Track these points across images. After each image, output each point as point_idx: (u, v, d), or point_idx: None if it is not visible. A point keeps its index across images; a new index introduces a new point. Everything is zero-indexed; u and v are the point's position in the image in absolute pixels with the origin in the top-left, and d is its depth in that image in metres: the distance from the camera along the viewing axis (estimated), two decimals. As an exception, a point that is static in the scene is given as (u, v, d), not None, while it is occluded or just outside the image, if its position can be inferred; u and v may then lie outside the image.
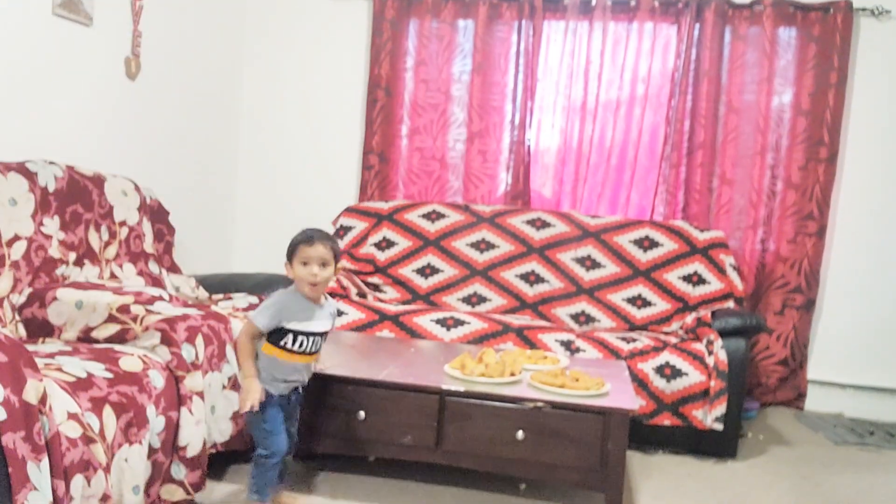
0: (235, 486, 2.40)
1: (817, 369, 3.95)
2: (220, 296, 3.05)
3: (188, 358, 2.21)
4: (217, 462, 2.41)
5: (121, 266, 2.80)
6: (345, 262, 2.22)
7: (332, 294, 3.26)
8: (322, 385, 2.32)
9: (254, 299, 2.99)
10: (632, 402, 2.20)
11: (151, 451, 2.05)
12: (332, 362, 2.32)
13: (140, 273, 2.89)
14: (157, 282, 2.94)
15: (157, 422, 2.06)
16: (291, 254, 2.04)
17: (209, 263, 3.82)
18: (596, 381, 2.32)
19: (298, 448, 2.38)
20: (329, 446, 2.37)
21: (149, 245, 3.02)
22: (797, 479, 2.91)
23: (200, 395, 2.21)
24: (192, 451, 2.16)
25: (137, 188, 3.05)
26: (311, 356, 2.13)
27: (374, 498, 2.36)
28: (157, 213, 3.17)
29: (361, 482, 2.46)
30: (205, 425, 2.22)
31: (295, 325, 2.05)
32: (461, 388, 2.23)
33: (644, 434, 2.99)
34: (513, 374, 2.35)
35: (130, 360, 2.09)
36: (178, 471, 2.15)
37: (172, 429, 2.13)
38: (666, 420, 2.96)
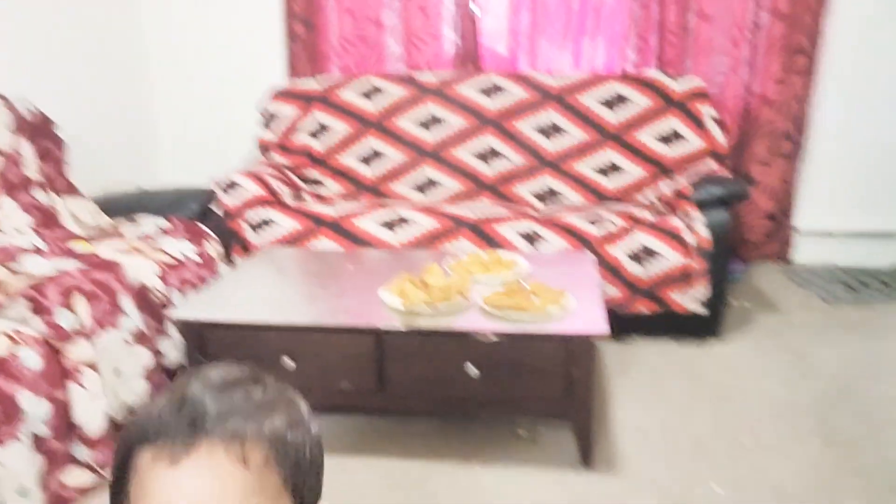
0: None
1: (805, 219, 3.64)
2: (125, 220, 2.64)
3: (67, 325, 1.84)
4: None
5: (-4, 203, 2.37)
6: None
7: (259, 201, 2.85)
8: (242, 333, 1.98)
9: (163, 222, 2.59)
10: (598, 323, 1.87)
11: (39, 442, 1.74)
12: None
13: (27, 208, 2.46)
14: (48, 214, 2.52)
15: (38, 408, 1.73)
16: (121, 482, 0.62)
17: (131, 178, 3.35)
18: (557, 293, 1.98)
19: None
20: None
21: (32, 170, 2.56)
22: (787, 355, 2.67)
23: (92, 365, 1.88)
24: (92, 430, 1.86)
25: (10, 104, 2.55)
26: None
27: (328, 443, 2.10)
28: (39, 129, 2.68)
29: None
30: (104, 398, 1.90)
31: None
32: (400, 326, 1.90)
33: (618, 321, 2.71)
34: (461, 295, 2.00)
35: (-7, 340, 1.72)
36: (80, 452, 1.86)
37: (63, 410, 1.81)
38: (642, 307, 2.68)
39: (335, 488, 1.79)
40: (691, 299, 2.65)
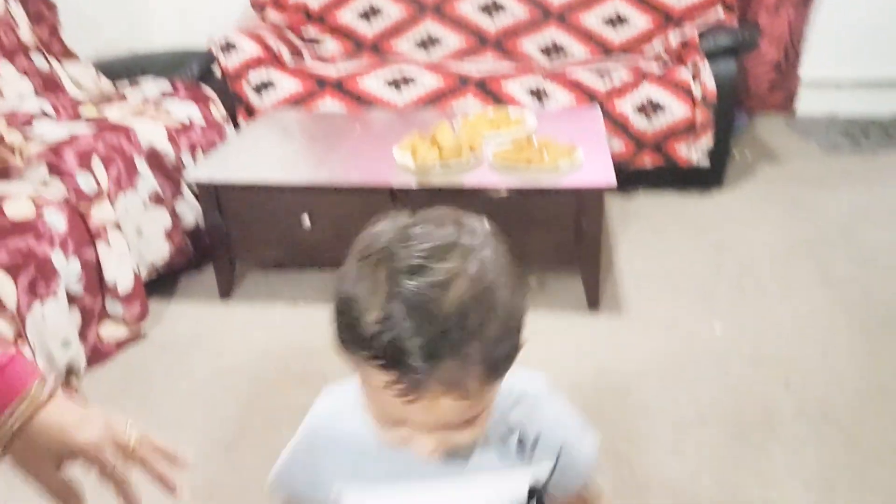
0: (186, 301, 2.23)
1: (810, 67, 3.59)
2: (126, 83, 2.61)
3: (88, 187, 1.88)
4: (162, 284, 2.21)
5: (-6, 70, 2.33)
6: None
7: (260, 61, 2.79)
8: (259, 193, 2.02)
9: (165, 85, 2.55)
10: (606, 175, 1.91)
11: (73, 299, 1.82)
12: None
13: (25, 72, 2.42)
14: (48, 79, 2.48)
15: (69, 268, 1.80)
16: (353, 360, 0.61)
17: (122, 41, 3.24)
18: (567, 148, 2.01)
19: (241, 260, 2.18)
20: (276, 257, 2.15)
21: (25, 33, 2.50)
22: (787, 203, 2.74)
23: (117, 225, 1.93)
24: (123, 287, 1.94)
25: (-7, -37, 2.44)
26: None
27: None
28: (27, -10, 2.58)
29: (322, 280, 2.27)
30: (130, 256, 1.97)
31: (360, 500, 0.71)
32: (413, 183, 1.93)
33: (622, 175, 2.74)
34: (472, 152, 2.03)
35: (18, 204, 1.76)
36: (115, 307, 1.96)
37: (94, 269, 1.88)
38: (647, 159, 2.71)
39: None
40: (695, 152, 2.68)
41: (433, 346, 0.54)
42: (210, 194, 2.04)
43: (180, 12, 3.62)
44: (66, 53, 2.67)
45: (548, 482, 0.69)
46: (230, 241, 2.10)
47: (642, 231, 2.55)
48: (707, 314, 2.05)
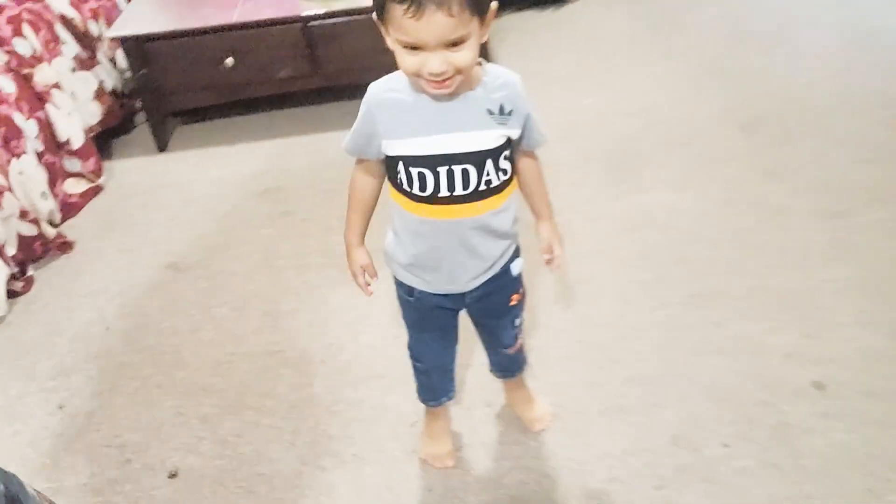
0: (128, 159, 2.43)
1: None
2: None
3: (26, 52, 2.02)
4: (99, 146, 2.39)
5: None
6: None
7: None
8: (182, 41, 2.21)
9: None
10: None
11: (39, 156, 2.01)
12: None
13: None
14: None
15: (29, 126, 1.98)
16: (381, 13, 0.92)
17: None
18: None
19: (174, 110, 2.39)
20: (206, 99, 2.37)
21: None
22: (629, 2, 3.19)
23: (58, 86, 2.09)
24: (76, 143, 2.13)
25: None
26: (475, 204, 1.04)
27: (268, 133, 2.47)
28: None
29: (249, 122, 2.53)
30: (77, 113, 2.15)
31: (401, 147, 1.02)
32: (321, 12, 2.20)
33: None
34: (366, -21, 2.30)
35: (-35, 72, 1.89)
36: (73, 164, 2.15)
37: (47, 128, 2.06)
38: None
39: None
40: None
41: None
42: (135, 49, 2.21)
43: None
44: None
45: (518, 140, 1.07)
46: (160, 91, 2.30)
47: (512, 41, 2.94)
48: (577, 97, 2.52)
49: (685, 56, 2.69)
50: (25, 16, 2.04)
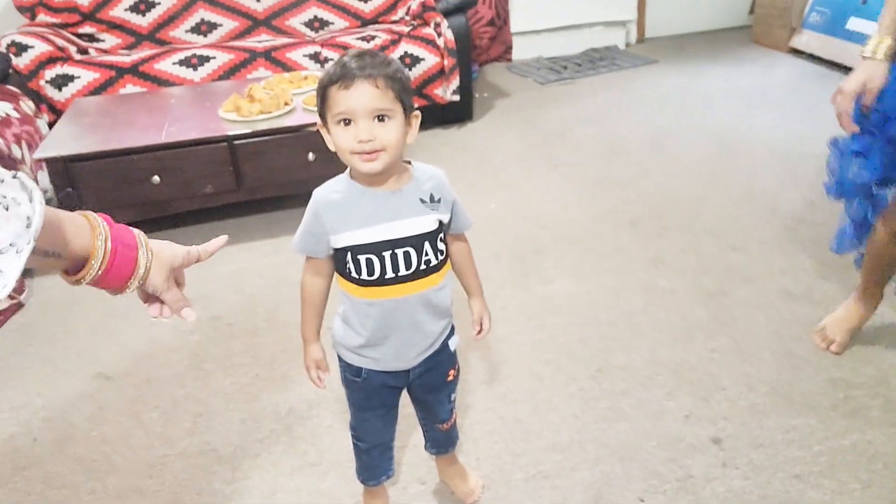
0: (50, 275, 2.45)
1: (518, 22, 4.52)
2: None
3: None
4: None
5: None
6: (416, 107, 1.16)
7: (52, 59, 2.98)
8: (109, 161, 2.32)
9: (-31, 88, 2.67)
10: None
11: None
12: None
13: None
14: None
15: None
16: (322, 106, 1.10)
17: None
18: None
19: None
20: (131, 216, 2.45)
21: None
22: (520, 122, 3.58)
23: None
24: None
25: None
26: (418, 282, 1.18)
27: (195, 244, 2.55)
28: None
29: (174, 236, 2.59)
30: None
31: (348, 238, 1.14)
32: (247, 131, 2.38)
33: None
34: (287, 104, 2.51)
35: None
36: (-6, 282, 2.16)
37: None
38: (415, 103, 3.36)
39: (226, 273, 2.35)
40: (448, 91, 3.38)
41: (362, 62, 1.05)
42: (61, 169, 2.29)
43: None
44: None
45: (448, 224, 1.23)
46: (84, 209, 2.36)
47: (421, 156, 3.18)
48: (485, 198, 2.77)
49: (571, 167, 3.02)
50: (-48, 140, 2.11)
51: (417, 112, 1.14)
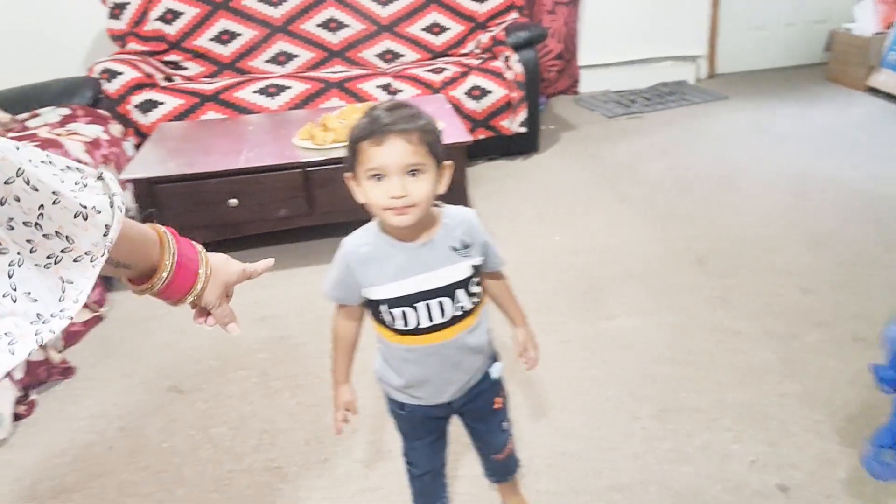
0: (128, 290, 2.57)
1: (586, 56, 4.54)
2: (25, 115, 2.86)
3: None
4: (103, 278, 2.54)
5: None
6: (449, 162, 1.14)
7: (139, 85, 3.15)
8: (189, 184, 2.43)
9: (65, 110, 2.85)
10: (463, 134, 2.57)
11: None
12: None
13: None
14: (-55, 115, 2.68)
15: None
16: (353, 160, 1.10)
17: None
18: (429, 121, 2.64)
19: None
20: (208, 236, 2.55)
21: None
22: (586, 155, 3.58)
23: (73, 223, 2.26)
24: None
25: None
26: (453, 327, 1.19)
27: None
28: None
29: (247, 256, 2.69)
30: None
31: (381, 291, 1.16)
32: (321, 158, 2.46)
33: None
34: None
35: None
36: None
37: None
38: (481, 134, 3.41)
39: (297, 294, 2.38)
40: (515, 123, 3.42)
41: (393, 116, 1.05)
42: (145, 190, 2.41)
43: (19, 49, 3.78)
44: (-51, 93, 2.86)
45: (482, 265, 1.23)
46: (165, 229, 2.48)
47: (486, 187, 3.24)
48: (549, 231, 2.78)
49: (638, 201, 3.00)
50: (49, 160, 2.24)
51: (450, 162, 1.14)
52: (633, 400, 1.87)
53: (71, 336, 2.22)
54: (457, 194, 2.58)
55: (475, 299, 1.20)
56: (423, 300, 1.15)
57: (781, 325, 2.13)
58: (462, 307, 1.18)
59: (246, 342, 2.21)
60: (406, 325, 1.17)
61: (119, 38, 3.53)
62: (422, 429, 1.33)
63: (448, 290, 1.16)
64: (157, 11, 3.53)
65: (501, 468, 1.47)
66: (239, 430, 1.87)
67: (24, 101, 2.92)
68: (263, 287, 2.50)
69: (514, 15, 3.76)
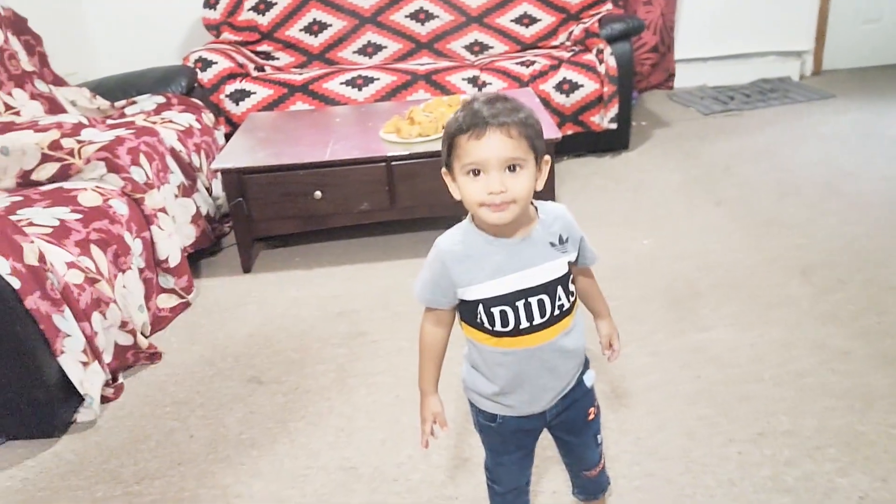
0: (215, 278, 2.61)
1: (682, 48, 4.34)
2: (123, 101, 2.94)
3: (140, 179, 2.25)
4: (190, 262, 2.59)
5: (10, 94, 2.62)
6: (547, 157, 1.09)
7: (232, 75, 3.19)
8: (276, 175, 2.44)
9: (160, 98, 2.91)
10: (553, 130, 2.48)
11: (140, 272, 2.19)
12: None
13: (33, 96, 2.72)
14: (53, 102, 2.79)
15: (136, 245, 2.18)
16: (449, 155, 1.06)
17: (75, 69, 3.53)
18: (517, 116, 2.56)
19: (261, 235, 2.59)
20: (292, 227, 2.57)
21: (25, 62, 2.79)
22: (680, 154, 3.42)
23: (164, 210, 2.31)
24: (174, 261, 2.32)
25: (-17, 0, 2.73)
26: (552, 328, 1.14)
27: (345, 259, 2.65)
28: (16, 24, 2.87)
29: (327, 248, 2.72)
30: (176, 236, 2.35)
31: (479, 291, 1.10)
32: (405, 152, 2.42)
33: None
34: (444, 128, 2.53)
35: (87, 195, 2.12)
36: (167, 281, 2.33)
37: (150, 247, 2.26)
38: (569, 130, 3.31)
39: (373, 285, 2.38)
40: (605, 119, 3.30)
41: (494, 109, 1.00)
42: (234, 180, 2.44)
43: (122, 39, 3.91)
44: (57, 80, 2.97)
45: (576, 260, 1.17)
46: (251, 218, 2.50)
47: (571, 184, 3.14)
48: (636, 235, 2.66)
49: (736, 205, 2.84)
50: (143, 147, 2.30)
51: (548, 157, 1.08)
52: (728, 421, 1.75)
53: (158, 321, 2.27)
54: (544, 191, 2.49)
55: (573, 297, 1.16)
56: (523, 298, 1.10)
57: (894, 347, 1.96)
58: (561, 305, 1.13)
59: (325, 336, 2.21)
60: (504, 325, 1.12)
61: (213, 27, 3.60)
62: (512, 443, 1.26)
63: (548, 288, 1.11)
64: (250, 1, 3.58)
65: (593, 485, 1.40)
66: (316, 426, 1.86)
67: (123, 88, 3.00)
68: (342, 281, 2.52)
69: (608, 6, 3.62)
